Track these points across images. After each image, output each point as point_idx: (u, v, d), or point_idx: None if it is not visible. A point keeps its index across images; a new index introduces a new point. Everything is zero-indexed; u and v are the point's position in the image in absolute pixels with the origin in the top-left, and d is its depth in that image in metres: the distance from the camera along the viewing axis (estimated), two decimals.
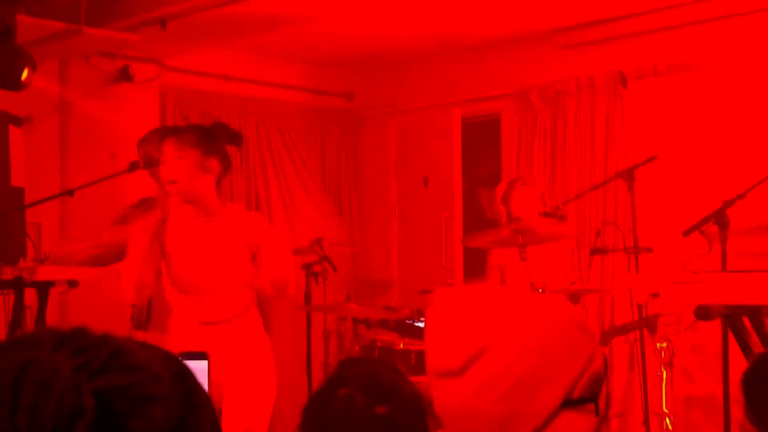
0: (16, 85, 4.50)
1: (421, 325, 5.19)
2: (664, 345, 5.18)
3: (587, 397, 1.46)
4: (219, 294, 3.90)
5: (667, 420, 5.19)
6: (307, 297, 5.67)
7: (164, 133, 4.09)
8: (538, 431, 1.43)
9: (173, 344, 3.95)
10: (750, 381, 1.67)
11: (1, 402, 0.78)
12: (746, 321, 3.07)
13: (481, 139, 7.42)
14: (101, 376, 0.81)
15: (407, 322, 5.28)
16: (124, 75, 6.40)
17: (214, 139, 3.90)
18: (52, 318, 5.06)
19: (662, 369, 5.23)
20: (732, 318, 3.07)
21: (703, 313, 2.97)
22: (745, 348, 3.08)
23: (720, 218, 3.24)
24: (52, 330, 0.87)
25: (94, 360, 0.82)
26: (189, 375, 0.91)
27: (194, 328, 3.92)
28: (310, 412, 1.87)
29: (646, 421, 4.93)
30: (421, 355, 4.86)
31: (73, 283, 4.66)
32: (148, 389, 0.84)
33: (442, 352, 1.49)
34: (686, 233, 3.37)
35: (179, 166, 3.78)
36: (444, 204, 7.29)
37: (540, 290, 4.83)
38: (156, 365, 0.87)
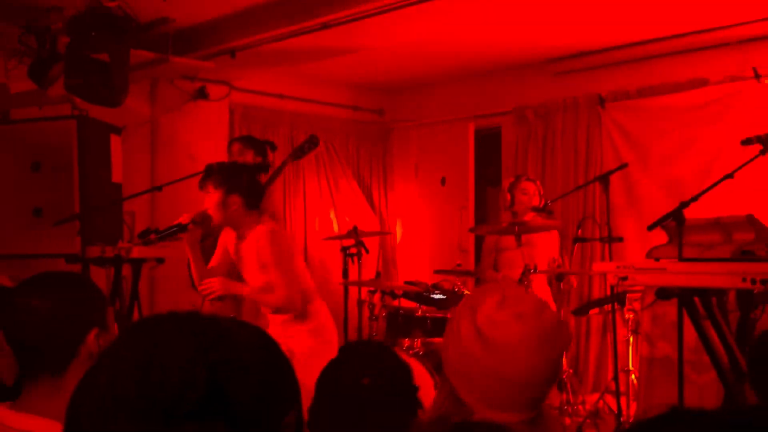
0: (115, 103, 4.58)
1: (436, 297, 5.21)
2: (631, 316, 5.18)
3: None
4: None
5: (633, 376, 5.20)
6: (345, 273, 5.70)
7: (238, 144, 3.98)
8: None
9: None
10: (753, 355, 1.59)
11: (138, 374, 0.81)
12: (696, 300, 3.07)
13: (485, 148, 7.43)
14: (211, 353, 0.83)
15: (425, 294, 5.29)
16: (201, 94, 6.46)
17: (238, 177, 3.81)
18: (143, 288, 5.13)
19: (629, 335, 5.23)
20: (685, 297, 3.07)
21: (662, 294, 2.97)
22: (695, 320, 3.09)
23: (678, 216, 3.22)
24: (173, 314, 0.89)
25: (206, 339, 0.85)
26: (276, 348, 0.93)
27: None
28: (321, 386, 1.92)
29: (616, 377, 4.93)
30: (435, 321, 4.88)
31: (160, 260, 4.73)
32: (247, 360, 0.86)
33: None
34: (650, 227, 3.36)
35: (209, 202, 3.77)
36: (458, 199, 7.29)
37: (532, 270, 4.84)
38: (251, 341, 0.89)
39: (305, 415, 1.11)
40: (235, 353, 0.86)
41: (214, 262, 3.95)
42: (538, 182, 5.62)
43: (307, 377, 3.68)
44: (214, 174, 3.81)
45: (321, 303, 3.92)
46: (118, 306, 4.56)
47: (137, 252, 4.57)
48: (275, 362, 0.91)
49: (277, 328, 3.83)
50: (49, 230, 4.65)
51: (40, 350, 1.57)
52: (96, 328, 1.61)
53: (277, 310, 3.82)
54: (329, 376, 1.92)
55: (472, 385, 1.48)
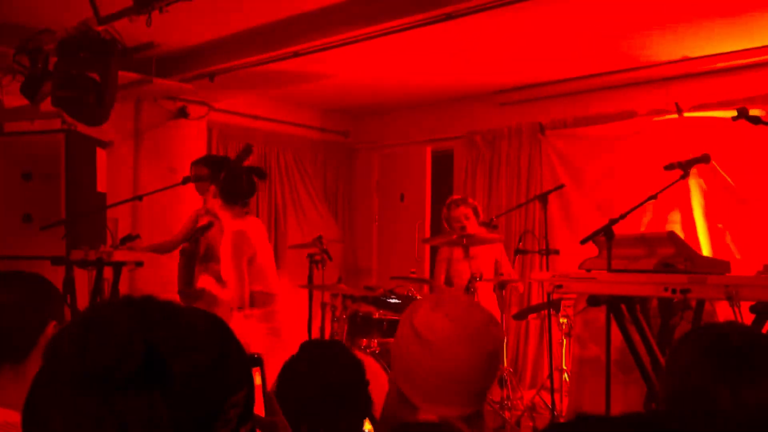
0: (97, 123, 4.48)
1: (392, 301, 5.16)
2: (565, 320, 5.19)
3: None
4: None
5: (565, 375, 5.21)
6: (310, 278, 5.64)
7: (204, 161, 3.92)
8: None
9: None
10: (669, 354, 1.57)
11: (76, 346, 0.78)
12: (623, 307, 3.08)
13: (440, 168, 7.44)
14: (153, 330, 0.80)
15: (382, 298, 5.24)
16: (182, 113, 6.36)
17: (218, 170, 3.70)
18: (123, 288, 5.01)
19: (563, 337, 5.24)
20: (613, 304, 3.08)
21: (592, 301, 2.97)
22: (622, 326, 3.09)
23: (607, 232, 3.23)
24: (126, 297, 0.86)
25: (149, 317, 0.81)
26: (228, 333, 0.89)
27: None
28: (282, 380, 1.88)
29: (551, 375, 4.93)
30: (390, 323, 4.83)
31: (139, 264, 4.62)
32: (190, 341, 0.82)
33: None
34: (583, 242, 3.36)
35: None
36: (415, 214, 7.28)
37: (478, 278, 4.82)
38: (199, 324, 0.86)
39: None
40: (179, 332, 0.82)
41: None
42: (470, 200, 5.39)
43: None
44: (201, 163, 3.82)
45: (282, 306, 3.83)
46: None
47: (118, 255, 4.47)
48: (223, 345, 0.87)
49: (239, 323, 3.75)
50: (37, 234, 4.53)
51: (4, 338, 1.55)
52: (55, 321, 1.60)
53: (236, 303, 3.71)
54: (289, 369, 1.88)
55: (414, 383, 1.45)
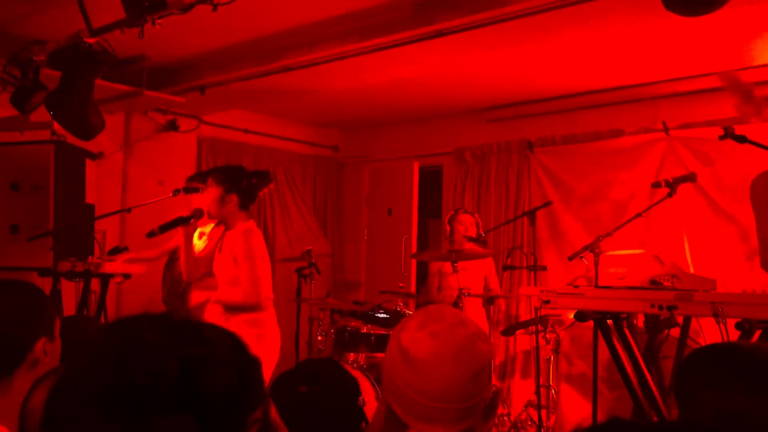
0: (89, 137, 4.47)
1: (380, 315, 5.15)
2: (552, 337, 5.20)
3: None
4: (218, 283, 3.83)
5: (553, 391, 5.21)
6: (298, 292, 5.62)
7: (207, 173, 3.99)
8: None
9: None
10: (680, 372, 1.55)
11: (112, 365, 0.77)
12: (610, 323, 3.09)
13: (428, 184, 7.45)
14: (184, 347, 0.79)
15: (370, 313, 5.23)
16: (172, 126, 6.36)
17: (238, 179, 3.80)
18: (110, 301, 4.98)
19: (550, 354, 5.25)
20: (600, 320, 3.08)
21: (580, 316, 2.98)
22: (609, 342, 3.10)
23: (595, 248, 3.25)
24: (147, 314, 0.85)
25: (180, 335, 0.81)
26: (244, 347, 0.89)
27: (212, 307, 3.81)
28: (275, 394, 1.87)
29: (538, 391, 4.93)
30: (378, 338, 4.82)
31: (127, 276, 4.61)
32: (218, 357, 0.82)
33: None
34: (571, 258, 3.38)
35: (207, 197, 3.78)
36: (402, 228, 7.28)
37: (467, 294, 4.83)
38: (222, 340, 0.86)
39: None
40: (206, 349, 0.82)
41: (203, 252, 3.90)
42: (476, 215, 5.61)
43: None
44: (219, 172, 3.83)
45: (272, 313, 3.80)
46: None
47: (106, 267, 4.45)
48: (245, 361, 0.87)
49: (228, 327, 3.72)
50: (24, 245, 4.50)
51: None
52: (44, 337, 1.54)
53: (234, 307, 3.69)
54: (278, 383, 1.87)
55: (403, 401, 1.45)
